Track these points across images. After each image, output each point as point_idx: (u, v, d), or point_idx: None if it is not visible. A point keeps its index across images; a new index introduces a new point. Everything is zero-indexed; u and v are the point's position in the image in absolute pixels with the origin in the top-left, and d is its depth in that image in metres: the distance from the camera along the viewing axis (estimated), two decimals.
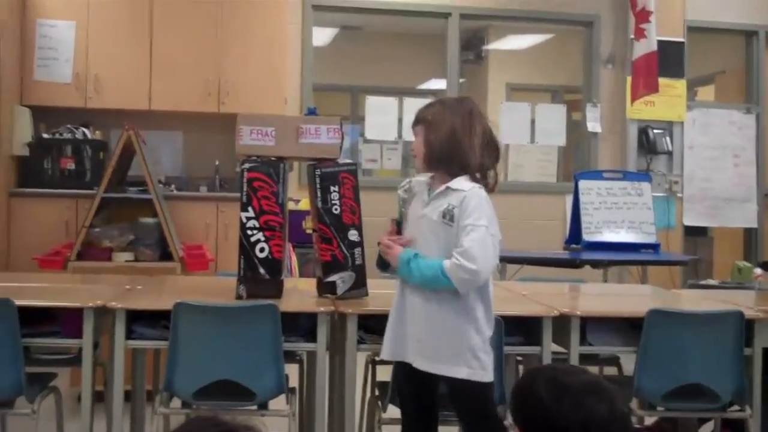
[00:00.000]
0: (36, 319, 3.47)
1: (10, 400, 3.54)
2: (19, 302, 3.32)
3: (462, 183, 2.99)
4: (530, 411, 2.04)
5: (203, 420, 1.64)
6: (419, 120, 3.10)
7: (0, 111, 6.14)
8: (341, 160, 3.70)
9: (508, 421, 3.49)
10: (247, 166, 3.52)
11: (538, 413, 2.00)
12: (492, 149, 3.05)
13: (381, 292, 3.72)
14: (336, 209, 3.59)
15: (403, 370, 3.14)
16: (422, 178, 3.19)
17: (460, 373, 2.98)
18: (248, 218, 3.51)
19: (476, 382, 2.99)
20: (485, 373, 3.00)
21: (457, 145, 2.99)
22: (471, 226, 2.91)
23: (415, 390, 3.15)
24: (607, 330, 3.66)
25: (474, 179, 3.01)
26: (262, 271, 3.52)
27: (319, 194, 3.58)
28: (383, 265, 3.19)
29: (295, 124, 3.63)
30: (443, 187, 3.01)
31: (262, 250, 3.52)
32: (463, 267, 2.88)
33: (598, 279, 6.44)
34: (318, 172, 3.59)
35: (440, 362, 2.98)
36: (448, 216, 2.95)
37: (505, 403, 3.47)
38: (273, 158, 3.56)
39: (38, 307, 3.46)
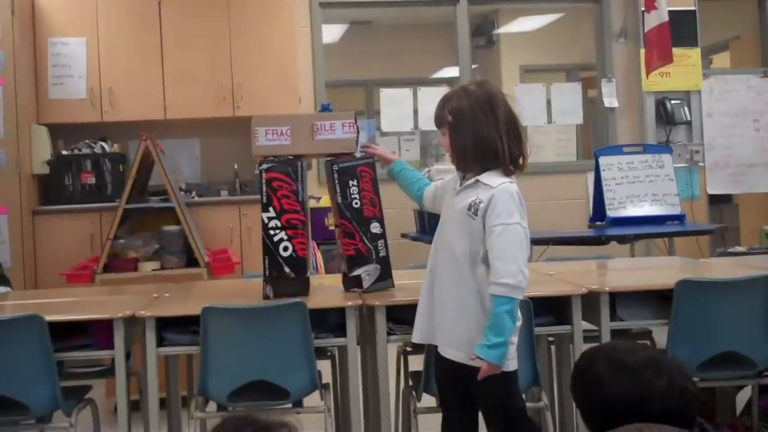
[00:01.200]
0: (67, 333, 3.48)
1: (48, 415, 3.57)
2: (49, 318, 3.34)
3: (492, 178, 2.93)
4: (590, 390, 2.05)
5: (238, 419, 1.67)
6: (441, 121, 3.03)
7: (18, 131, 6.18)
8: (358, 154, 3.69)
9: (544, 401, 3.49)
10: (265, 166, 3.53)
11: (597, 392, 2.01)
12: (515, 133, 2.98)
13: (407, 282, 3.72)
14: (356, 203, 3.59)
15: (435, 354, 3.11)
16: (443, 167, 3.17)
17: (479, 361, 2.88)
18: (270, 218, 3.51)
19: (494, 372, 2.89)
20: (506, 362, 2.90)
21: (483, 142, 2.93)
22: (503, 226, 2.85)
23: (448, 377, 3.12)
24: (637, 304, 3.63)
25: (506, 171, 2.95)
26: (287, 269, 3.52)
27: (338, 189, 3.58)
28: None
29: (309, 122, 3.63)
30: (473, 179, 2.97)
31: (285, 249, 3.52)
32: (513, 288, 2.81)
33: (625, 254, 6.41)
34: (335, 167, 3.59)
35: (462, 350, 2.93)
36: (473, 209, 2.92)
37: (539, 385, 3.47)
38: (290, 157, 3.56)
39: (69, 321, 3.48)
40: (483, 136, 2.93)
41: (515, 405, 3.02)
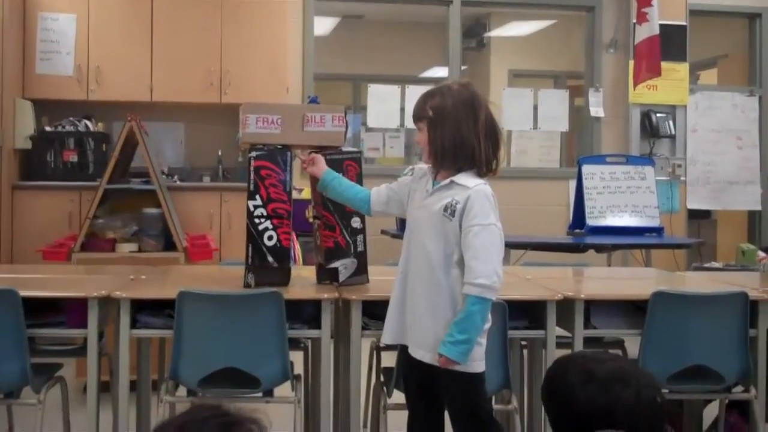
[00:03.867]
0: (41, 310, 3.47)
1: (16, 391, 3.55)
2: (23, 293, 3.32)
3: (467, 179, 2.93)
4: (560, 398, 2.07)
5: (208, 408, 1.61)
6: (421, 116, 3.02)
7: (2, 104, 6.15)
8: (345, 148, 3.70)
9: (513, 405, 3.51)
10: (254, 154, 3.52)
11: (566, 399, 2.04)
12: (494, 138, 2.98)
13: (381, 278, 3.73)
14: None
15: (405, 354, 3.11)
16: (425, 165, 3.16)
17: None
18: (256, 206, 3.50)
19: (463, 372, 2.91)
20: (473, 364, 2.91)
21: (462, 142, 2.93)
22: (479, 227, 2.86)
23: (416, 377, 3.12)
24: (611, 313, 3.65)
25: (480, 173, 2.96)
26: (270, 259, 3.52)
27: None
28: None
29: (300, 112, 3.62)
30: (447, 180, 2.96)
31: (270, 238, 3.51)
32: (486, 288, 2.82)
33: (602, 263, 6.44)
34: (324, 159, 3.59)
35: (431, 351, 2.92)
36: (450, 210, 2.91)
37: (510, 388, 3.48)
38: (279, 146, 3.56)
39: (43, 298, 3.46)
40: (462, 136, 2.92)
41: (482, 406, 3.02)
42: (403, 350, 3.14)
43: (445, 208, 2.91)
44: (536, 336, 3.57)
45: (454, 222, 2.90)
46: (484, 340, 2.94)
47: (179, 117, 7.18)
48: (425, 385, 3.08)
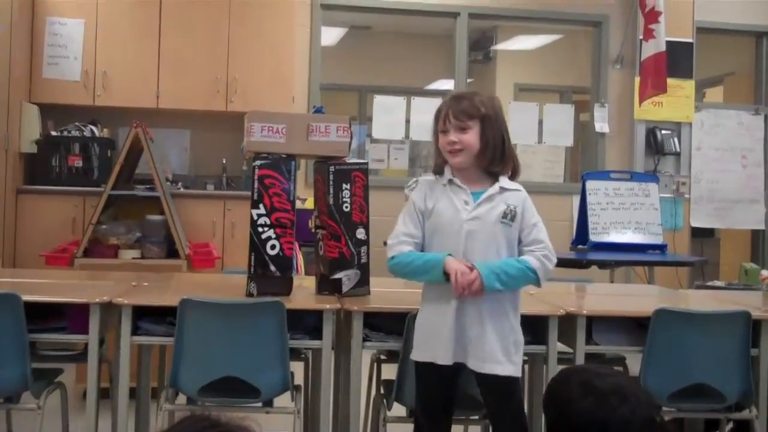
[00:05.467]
0: (42, 315, 3.46)
1: (16, 396, 3.55)
2: (25, 297, 3.32)
3: (511, 183, 3.04)
4: (559, 407, 2.11)
5: (197, 420, 1.61)
6: (473, 114, 2.99)
7: (9, 108, 6.16)
8: (349, 159, 3.71)
9: None
10: (258, 162, 3.52)
11: (564, 407, 2.07)
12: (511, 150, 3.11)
13: (382, 290, 3.74)
14: (346, 207, 3.60)
15: (435, 369, 3.05)
16: (430, 178, 3.16)
17: (507, 370, 3.00)
18: (259, 215, 3.51)
19: (515, 378, 3.05)
20: (519, 369, 3.08)
21: (507, 144, 3.04)
22: (540, 224, 3.03)
23: (445, 391, 3.11)
24: (613, 329, 3.64)
25: (514, 177, 3.07)
26: (272, 268, 3.52)
27: (331, 191, 3.59)
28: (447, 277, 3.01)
29: (305, 122, 3.63)
30: (497, 187, 3.01)
31: (273, 247, 3.51)
32: (550, 259, 3.00)
33: (604, 279, 6.43)
34: (332, 169, 3.59)
35: (494, 361, 2.98)
36: (510, 216, 2.97)
37: None
38: (283, 155, 3.56)
39: (45, 303, 3.46)
40: (506, 139, 3.03)
41: (523, 409, 3.19)
42: (432, 366, 3.08)
43: (504, 215, 2.98)
44: (538, 351, 3.56)
45: (514, 227, 2.99)
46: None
47: (185, 124, 7.18)
48: (449, 400, 3.13)
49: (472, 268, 2.91)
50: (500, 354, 2.99)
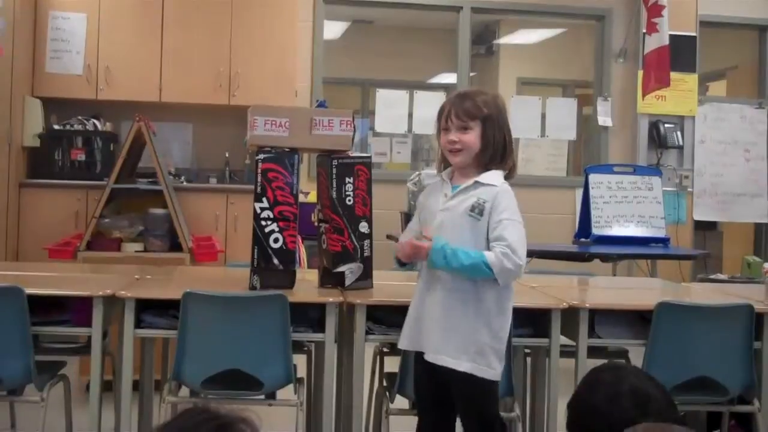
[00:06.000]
0: (46, 308, 3.47)
1: (20, 388, 3.56)
2: (29, 291, 3.33)
3: (493, 177, 3.00)
4: (574, 402, 2.11)
5: (198, 412, 1.62)
6: (475, 114, 3.00)
7: (11, 102, 6.16)
8: (352, 153, 3.71)
9: (516, 412, 3.50)
10: (261, 156, 3.52)
11: (577, 406, 2.07)
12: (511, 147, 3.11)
13: (386, 283, 3.75)
14: (349, 200, 3.60)
15: (421, 361, 3.10)
16: (432, 172, 3.18)
17: (462, 366, 2.97)
18: (262, 209, 3.51)
19: (479, 377, 2.98)
20: (489, 371, 2.98)
21: (510, 143, 3.05)
22: (508, 221, 2.95)
23: (432, 383, 3.12)
24: (615, 323, 3.64)
25: (507, 174, 3.06)
26: (275, 261, 3.53)
27: (334, 185, 3.58)
28: (400, 262, 3.15)
29: (308, 116, 3.63)
30: (471, 181, 3.01)
31: (276, 240, 3.52)
32: (510, 258, 2.90)
33: (607, 273, 6.43)
34: (335, 162, 3.59)
35: (446, 354, 2.98)
36: (477, 210, 2.96)
37: (513, 395, 3.48)
38: (287, 149, 3.56)
39: (48, 296, 3.46)
40: (507, 138, 3.04)
41: (493, 414, 3.08)
42: (418, 357, 3.14)
43: (472, 208, 2.96)
44: (540, 344, 3.57)
45: (482, 221, 2.96)
46: (503, 347, 3.01)
47: (187, 118, 7.18)
48: (439, 394, 3.11)
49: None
50: (452, 349, 2.97)
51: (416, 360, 3.16)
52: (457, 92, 3.16)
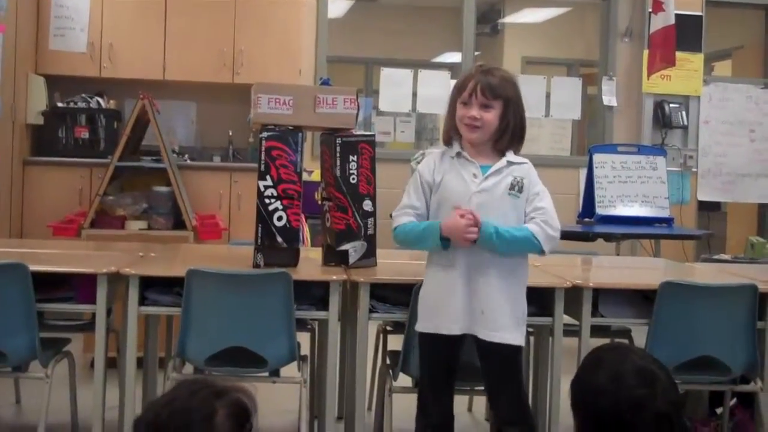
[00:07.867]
0: (50, 285, 3.48)
1: (24, 365, 3.58)
2: (33, 267, 3.34)
3: (516, 156, 3.06)
4: (577, 382, 2.10)
5: (194, 382, 1.68)
6: (498, 94, 2.99)
7: (15, 80, 6.15)
8: (356, 131, 3.70)
9: None
10: (265, 134, 3.52)
11: (580, 385, 2.06)
12: None
13: (389, 261, 3.75)
14: (353, 178, 3.60)
15: (445, 344, 3.06)
16: (437, 150, 3.17)
17: (517, 339, 3.04)
18: (266, 187, 3.52)
19: (521, 347, 3.09)
20: (523, 340, 3.14)
21: (524, 125, 3.08)
22: (544, 192, 3.04)
23: (454, 362, 3.12)
24: (619, 302, 3.65)
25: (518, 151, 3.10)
26: (279, 239, 3.53)
27: (338, 163, 3.58)
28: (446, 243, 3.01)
29: (312, 94, 3.63)
30: (504, 161, 3.03)
31: (280, 218, 3.53)
32: (550, 225, 2.98)
33: (610, 252, 6.42)
34: (339, 140, 3.58)
35: (505, 330, 3.00)
36: (517, 188, 3.00)
37: None
38: (290, 127, 3.56)
39: (52, 273, 3.47)
40: (524, 119, 3.09)
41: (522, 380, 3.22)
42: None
43: (512, 187, 3.00)
44: (543, 323, 3.57)
45: (521, 198, 3.01)
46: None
47: (191, 96, 7.18)
48: (454, 370, 3.14)
49: (477, 224, 2.92)
50: (511, 323, 3.02)
51: (434, 339, 3.07)
52: (480, 66, 3.10)
